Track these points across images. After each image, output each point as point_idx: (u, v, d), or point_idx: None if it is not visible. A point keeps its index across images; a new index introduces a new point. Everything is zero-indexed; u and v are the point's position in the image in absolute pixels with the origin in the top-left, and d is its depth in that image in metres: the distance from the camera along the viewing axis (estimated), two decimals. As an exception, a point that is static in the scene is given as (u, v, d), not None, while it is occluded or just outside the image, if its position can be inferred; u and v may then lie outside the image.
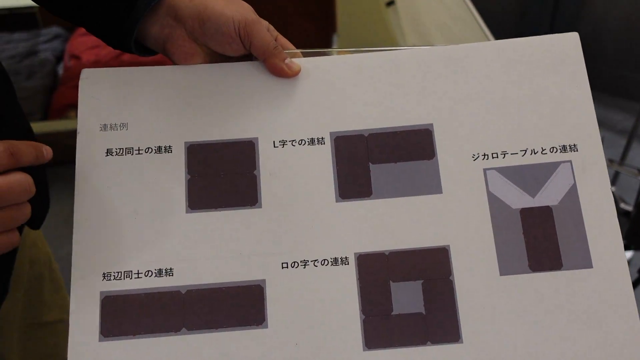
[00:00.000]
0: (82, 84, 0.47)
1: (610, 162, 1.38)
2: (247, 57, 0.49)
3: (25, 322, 0.66)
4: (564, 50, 0.48)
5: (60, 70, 2.10)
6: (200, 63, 0.48)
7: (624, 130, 2.14)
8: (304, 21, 1.58)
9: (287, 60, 0.48)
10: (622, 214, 1.43)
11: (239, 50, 0.47)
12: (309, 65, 0.48)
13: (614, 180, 1.54)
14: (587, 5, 2.43)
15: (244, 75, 0.48)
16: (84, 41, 1.71)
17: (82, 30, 1.84)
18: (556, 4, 2.41)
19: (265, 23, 0.49)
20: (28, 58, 1.85)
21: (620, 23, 2.35)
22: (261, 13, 0.48)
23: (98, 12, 0.47)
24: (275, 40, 0.49)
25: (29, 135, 0.55)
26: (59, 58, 2.10)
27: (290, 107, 0.47)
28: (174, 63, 0.49)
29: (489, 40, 0.99)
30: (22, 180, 0.40)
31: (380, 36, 1.28)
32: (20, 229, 0.54)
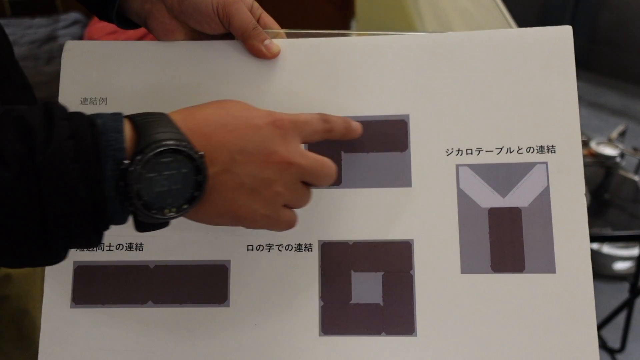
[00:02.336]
0: (64, 55, 0.49)
1: (634, 150, 1.35)
2: (229, 35, 0.49)
3: None
4: (554, 45, 0.47)
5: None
6: (181, 39, 0.49)
7: (649, 119, 2.10)
8: (324, 5, 1.56)
9: (267, 42, 0.48)
10: (646, 204, 1.42)
11: (219, 29, 0.48)
12: (290, 47, 0.49)
13: (637, 169, 1.52)
14: (612, -8, 2.33)
15: (223, 54, 0.49)
16: (102, 27, 1.73)
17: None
18: (579, -10, 2.31)
19: (248, 1, 0.49)
20: (47, 43, 1.89)
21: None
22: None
23: None
24: (259, 19, 0.49)
25: (28, 92, 0.57)
26: None
27: (267, 89, 0.48)
28: (155, 38, 0.50)
29: (510, 25, 0.95)
30: (331, 165, 0.41)
31: (398, 22, 1.25)
32: None
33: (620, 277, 1.61)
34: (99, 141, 0.33)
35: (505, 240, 0.45)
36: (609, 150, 1.35)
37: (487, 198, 0.45)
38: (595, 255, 1.63)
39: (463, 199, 0.46)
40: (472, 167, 0.46)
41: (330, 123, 0.42)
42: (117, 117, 0.35)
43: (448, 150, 0.46)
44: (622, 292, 1.43)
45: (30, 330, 0.70)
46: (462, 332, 0.44)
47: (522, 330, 0.44)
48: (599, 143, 1.36)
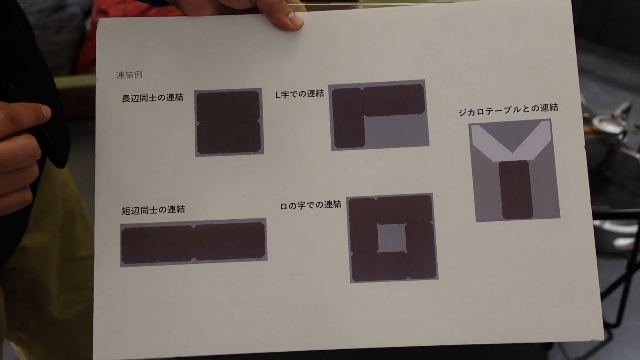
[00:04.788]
0: (99, 32, 0.54)
1: (637, 128, 1.38)
2: (254, 9, 0.54)
3: (62, 256, 0.75)
4: (554, 11, 0.53)
5: (88, 25, 2.18)
6: (209, 15, 0.54)
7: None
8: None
9: (291, 15, 0.53)
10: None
11: (245, 4, 0.53)
12: (311, 20, 0.54)
13: (640, 147, 1.55)
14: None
15: (249, 28, 0.54)
16: (111, -4, 1.76)
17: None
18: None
19: None
20: (57, 12, 1.90)
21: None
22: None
23: None
24: None
25: (48, 79, 0.61)
26: (87, 13, 2.16)
27: (293, 60, 0.53)
28: (184, 14, 0.54)
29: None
30: (26, 145, 0.41)
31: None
32: (42, 165, 0.62)
33: (620, 253, 1.67)
34: None
35: (515, 190, 0.51)
36: (611, 128, 1.35)
37: (498, 153, 0.52)
38: (597, 232, 1.65)
39: (476, 154, 0.52)
40: (483, 125, 0.52)
41: (18, 119, 0.42)
42: None
43: (461, 111, 0.52)
44: (621, 268, 1.48)
45: (45, 300, 0.75)
46: (479, 272, 0.51)
47: (531, 268, 0.51)
48: (601, 120, 1.37)
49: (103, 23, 0.54)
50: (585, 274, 0.51)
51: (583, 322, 0.50)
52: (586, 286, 0.51)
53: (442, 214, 0.51)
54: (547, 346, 1.46)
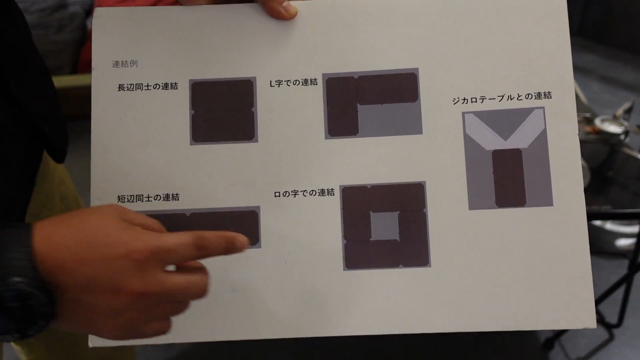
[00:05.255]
0: (95, 22, 0.54)
1: (639, 128, 1.38)
2: (248, -1, 0.55)
3: None
4: (550, 2, 0.53)
5: (89, 24, 2.18)
6: (204, 4, 0.54)
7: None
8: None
9: (285, 4, 0.54)
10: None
11: (240, -6, 0.53)
12: (305, 9, 0.54)
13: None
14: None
15: (244, 17, 0.54)
16: (112, -6, 1.78)
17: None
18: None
19: None
20: (58, 11, 1.92)
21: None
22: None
23: None
24: None
25: (46, 77, 0.62)
26: (88, 12, 2.18)
27: (287, 49, 0.54)
28: (180, 4, 0.55)
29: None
30: (199, 284, 0.41)
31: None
32: (39, 161, 0.62)
33: (622, 254, 1.66)
34: None
35: (508, 178, 0.51)
36: (613, 128, 1.35)
37: (491, 141, 0.52)
38: (598, 232, 1.67)
39: (469, 143, 0.52)
40: (476, 113, 0.52)
41: (205, 249, 0.41)
42: None
43: (455, 99, 0.53)
44: (622, 268, 1.47)
45: None
46: (472, 260, 0.51)
47: (524, 257, 0.51)
48: (603, 120, 1.36)
49: (99, 12, 0.55)
50: (578, 262, 0.51)
51: (575, 311, 0.50)
52: (579, 274, 0.51)
53: (435, 202, 0.52)
54: (548, 346, 1.46)
